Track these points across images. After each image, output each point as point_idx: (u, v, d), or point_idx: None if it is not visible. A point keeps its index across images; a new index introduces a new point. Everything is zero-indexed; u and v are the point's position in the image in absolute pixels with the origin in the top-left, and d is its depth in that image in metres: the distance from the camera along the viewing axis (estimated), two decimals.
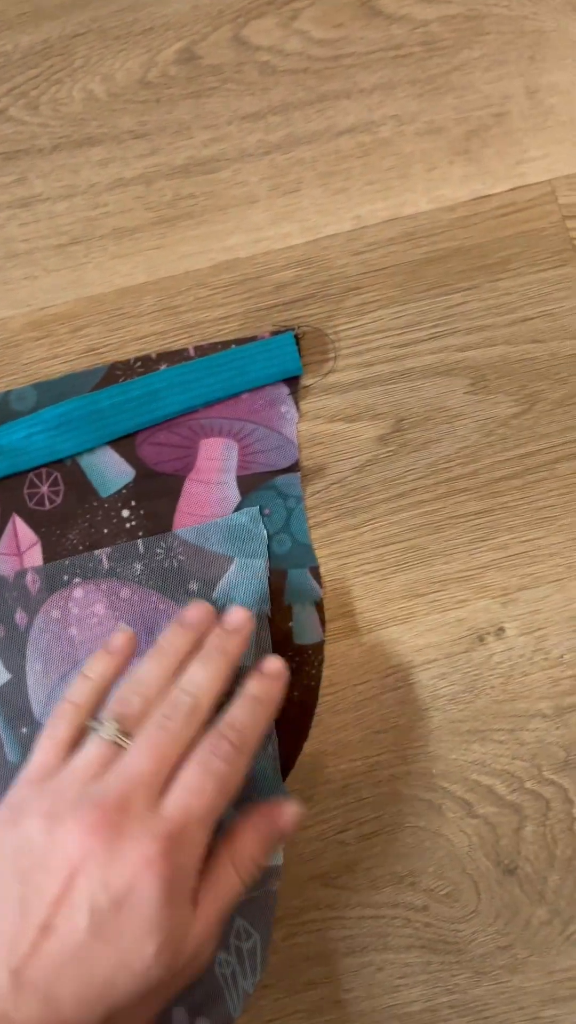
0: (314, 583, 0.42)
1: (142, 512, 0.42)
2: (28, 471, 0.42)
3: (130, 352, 0.44)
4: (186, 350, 0.44)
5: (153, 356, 0.43)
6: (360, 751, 0.40)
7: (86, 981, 0.28)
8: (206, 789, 0.31)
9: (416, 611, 0.41)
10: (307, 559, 0.42)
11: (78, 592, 0.40)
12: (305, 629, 0.41)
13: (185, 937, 0.30)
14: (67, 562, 0.41)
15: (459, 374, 0.44)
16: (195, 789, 0.31)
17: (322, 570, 0.42)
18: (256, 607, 0.40)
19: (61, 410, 0.42)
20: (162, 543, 0.41)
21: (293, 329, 0.43)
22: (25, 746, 0.39)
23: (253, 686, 0.35)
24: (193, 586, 0.41)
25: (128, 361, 0.43)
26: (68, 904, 0.29)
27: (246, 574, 0.41)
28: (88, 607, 0.40)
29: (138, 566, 0.41)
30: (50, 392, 0.43)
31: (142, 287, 0.45)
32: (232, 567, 0.41)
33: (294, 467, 0.42)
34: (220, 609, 0.39)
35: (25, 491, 0.42)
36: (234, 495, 0.42)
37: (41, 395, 0.43)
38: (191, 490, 0.42)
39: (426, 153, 0.47)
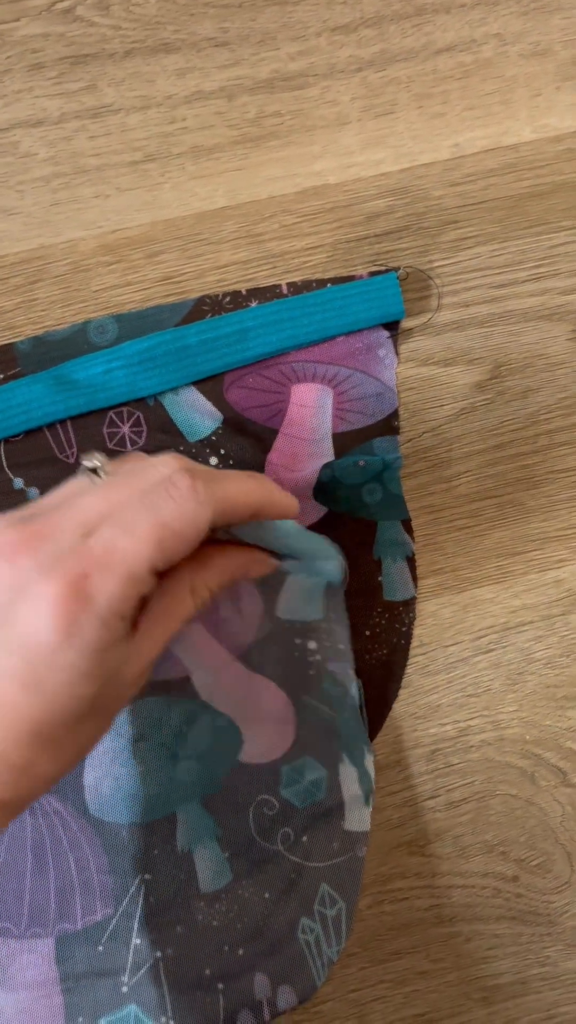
0: (406, 537, 0.39)
1: (231, 462, 0.39)
2: (107, 409, 0.39)
3: (210, 283, 0.41)
4: (279, 287, 0.40)
5: (243, 292, 0.40)
6: (450, 715, 0.38)
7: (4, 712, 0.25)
8: (138, 530, 0.26)
9: (512, 570, 0.39)
10: (399, 511, 0.39)
11: None
12: (395, 585, 0.39)
13: (105, 661, 0.26)
14: None
15: (562, 319, 0.41)
16: (127, 526, 0.26)
17: (413, 524, 0.40)
18: (325, 580, 0.36)
19: (144, 344, 0.38)
20: None
21: (396, 269, 0.40)
22: None
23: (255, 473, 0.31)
24: None
25: (216, 296, 0.40)
26: None
27: (305, 536, 0.36)
28: None
29: None
30: (132, 325, 0.39)
31: (222, 212, 0.42)
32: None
33: (393, 419, 0.39)
34: (283, 573, 0.35)
35: (105, 430, 0.39)
36: (328, 454, 0.39)
37: (122, 328, 0.39)
38: (283, 446, 0.39)
39: (530, 77, 0.43)
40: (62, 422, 0.39)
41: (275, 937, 0.35)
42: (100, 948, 0.35)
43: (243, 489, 0.29)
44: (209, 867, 0.36)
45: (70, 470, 0.39)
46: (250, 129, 0.42)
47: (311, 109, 0.43)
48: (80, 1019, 0.34)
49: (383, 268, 0.41)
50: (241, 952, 0.35)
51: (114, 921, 0.35)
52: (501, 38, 0.43)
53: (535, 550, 0.39)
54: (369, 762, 0.37)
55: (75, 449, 0.39)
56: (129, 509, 0.26)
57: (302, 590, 0.37)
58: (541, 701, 0.38)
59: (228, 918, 0.35)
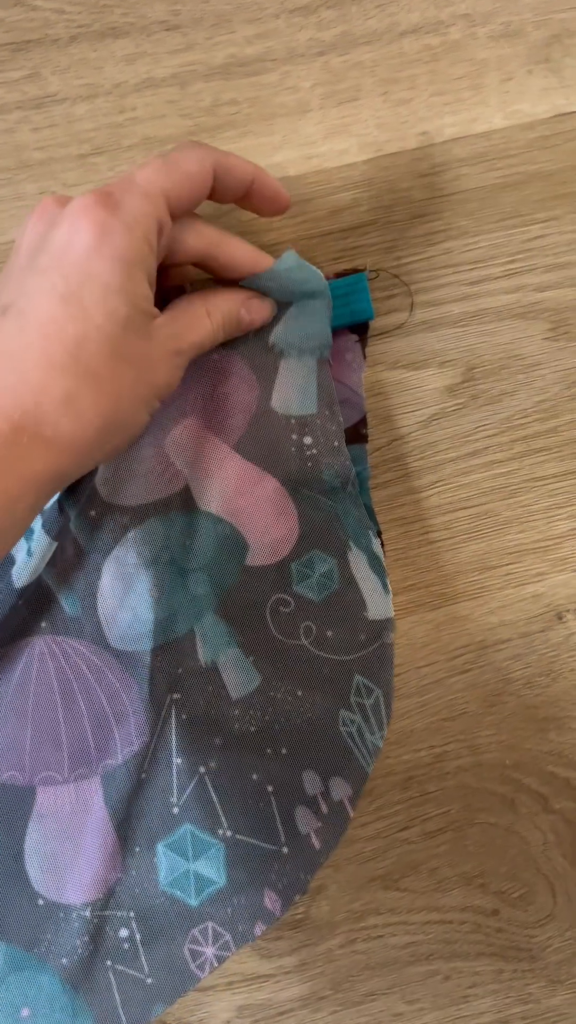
0: (379, 549, 0.37)
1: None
2: None
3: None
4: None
5: (187, 289, 0.38)
6: (425, 740, 0.36)
7: (48, 339, 0.28)
8: (151, 165, 0.30)
9: (488, 585, 0.37)
10: (369, 525, 0.37)
11: None
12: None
13: (135, 279, 0.29)
14: None
15: (537, 317, 0.39)
16: (142, 167, 0.30)
17: (383, 537, 0.37)
18: (317, 352, 0.36)
19: None
20: None
21: (363, 269, 0.38)
22: (102, 530, 0.36)
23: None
24: (249, 335, 0.36)
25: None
26: (17, 278, 0.29)
27: (305, 315, 0.36)
28: None
29: None
30: None
31: None
32: (291, 308, 0.36)
33: (361, 427, 0.37)
34: (278, 355, 0.36)
35: None
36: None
37: None
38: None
39: (501, 60, 0.41)
40: None
41: (316, 732, 0.35)
42: (144, 776, 0.35)
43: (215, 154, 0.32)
44: (235, 674, 0.35)
45: None
46: (205, 118, 0.40)
47: (270, 96, 0.40)
48: (137, 849, 0.34)
49: (350, 269, 0.38)
50: (285, 752, 0.35)
51: (152, 747, 0.35)
52: (470, 19, 0.41)
53: (512, 563, 0.37)
54: (376, 545, 0.36)
55: None
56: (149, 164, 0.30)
57: (296, 378, 0.36)
58: (521, 723, 0.36)
59: (264, 722, 0.35)
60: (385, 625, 0.35)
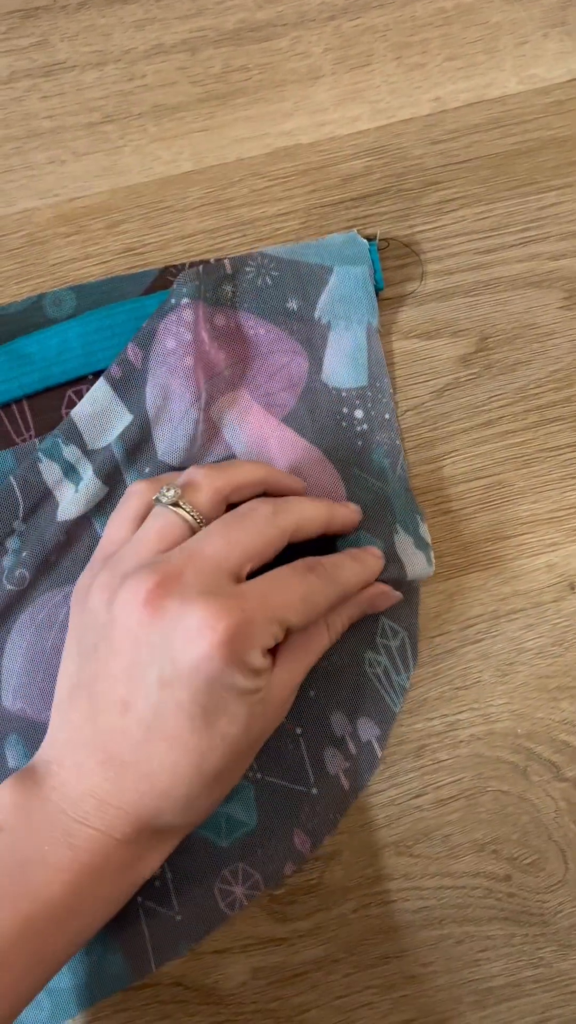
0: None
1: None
2: (65, 386, 0.36)
3: (175, 253, 0.38)
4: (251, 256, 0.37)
5: (212, 261, 0.37)
6: (437, 709, 0.36)
7: (175, 749, 0.28)
8: (293, 589, 0.29)
9: (501, 555, 0.37)
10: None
11: (187, 314, 0.36)
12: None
13: (263, 698, 0.29)
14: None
15: (552, 286, 0.39)
16: (281, 583, 0.29)
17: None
18: (365, 320, 0.37)
19: (102, 314, 0.36)
20: (250, 261, 0.37)
21: (373, 238, 0.37)
22: None
23: (353, 551, 0.34)
24: (293, 304, 0.37)
25: (182, 266, 0.37)
26: (137, 679, 0.28)
27: (348, 283, 0.37)
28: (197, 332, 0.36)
29: (228, 288, 0.36)
30: (91, 297, 0.37)
31: (187, 177, 0.39)
32: (332, 278, 0.36)
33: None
34: (326, 327, 0.36)
35: (63, 410, 0.37)
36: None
37: (81, 300, 0.37)
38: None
39: (516, 24, 0.40)
40: (18, 401, 0.37)
41: (342, 674, 0.35)
42: None
43: (353, 585, 0.32)
44: None
45: (27, 454, 0.36)
46: (216, 86, 0.39)
47: (281, 62, 0.40)
48: None
49: (363, 238, 0.38)
50: (312, 694, 0.35)
51: None
52: None
53: (525, 533, 0.37)
54: (424, 530, 0.36)
55: (32, 432, 0.37)
56: (259, 553, 0.30)
57: (344, 350, 0.36)
58: (533, 693, 0.36)
59: None
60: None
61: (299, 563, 0.31)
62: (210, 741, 0.28)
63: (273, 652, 0.30)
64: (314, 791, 0.35)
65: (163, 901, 0.34)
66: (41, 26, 0.39)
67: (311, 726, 0.35)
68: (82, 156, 0.39)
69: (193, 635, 0.27)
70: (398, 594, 0.34)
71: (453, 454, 0.38)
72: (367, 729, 0.36)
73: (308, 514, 0.31)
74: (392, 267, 0.38)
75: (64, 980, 0.34)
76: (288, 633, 0.30)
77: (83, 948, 0.33)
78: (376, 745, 0.35)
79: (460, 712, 0.36)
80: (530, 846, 0.36)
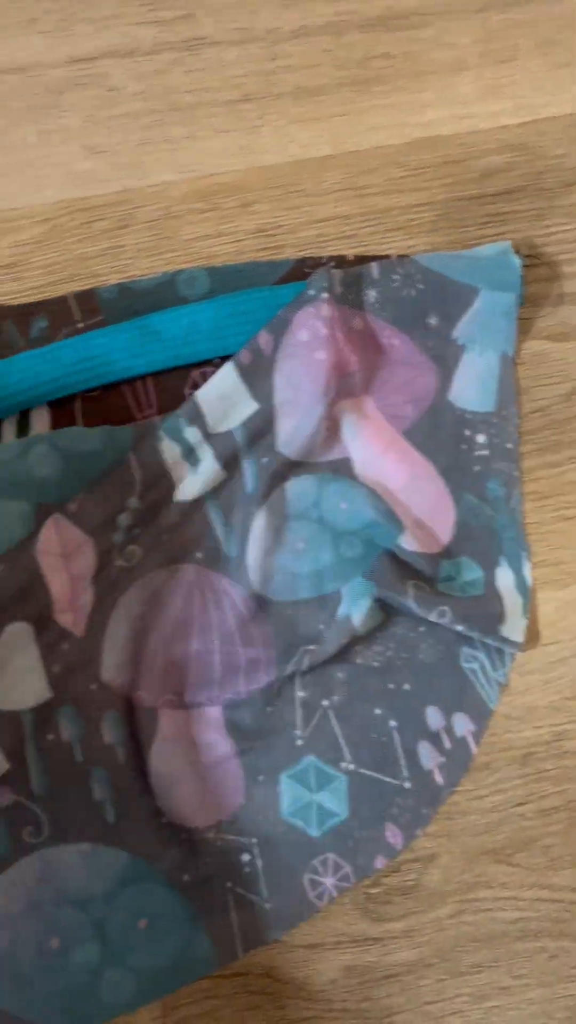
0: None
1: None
2: (191, 367, 0.36)
3: (307, 237, 0.38)
4: (389, 258, 0.37)
5: (350, 258, 0.37)
6: (546, 718, 0.36)
7: None
8: None
9: None
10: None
11: (325, 309, 0.35)
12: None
13: None
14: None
15: None
16: None
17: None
18: (501, 348, 0.36)
19: (237, 299, 0.35)
20: (399, 268, 0.36)
21: (517, 253, 0.37)
22: (263, 477, 0.36)
23: None
24: (432, 320, 0.36)
25: (320, 259, 0.37)
26: None
27: (493, 310, 0.36)
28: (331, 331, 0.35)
29: (372, 293, 0.36)
30: (225, 279, 0.36)
31: (324, 161, 0.38)
32: (478, 301, 0.36)
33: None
34: (460, 348, 0.36)
35: (186, 390, 0.36)
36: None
37: (214, 281, 0.36)
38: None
39: None
40: (142, 378, 0.36)
41: (438, 668, 0.35)
42: (269, 710, 0.35)
43: None
44: (363, 614, 0.35)
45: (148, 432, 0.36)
46: (357, 71, 0.39)
47: (424, 52, 0.39)
48: (260, 777, 0.35)
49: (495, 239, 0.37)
50: (408, 687, 0.35)
51: (277, 684, 0.35)
52: None
53: None
54: (527, 569, 0.36)
55: (154, 409, 0.36)
56: None
57: (476, 373, 0.36)
58: None
59: (387, 657, 0.35)
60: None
61: None
62: None
63: None
64: (407, 785, 0.35)
65: (252, 888, 0.34)
66: (188, 0, 0.39)
67: (406, 719, 0.35)
68: (220, 133, 0.38)
69: None
70: None
71: None
72: (462, 725, 0.35)
73: None
74: (525, 267, 0.38)
75: (150, 960, 0.33)
76: None
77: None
78: (471, 741, 0.35)
79: (569, 723, 0.36)
80: None
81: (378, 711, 0.35)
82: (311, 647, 0.35)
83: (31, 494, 0.34)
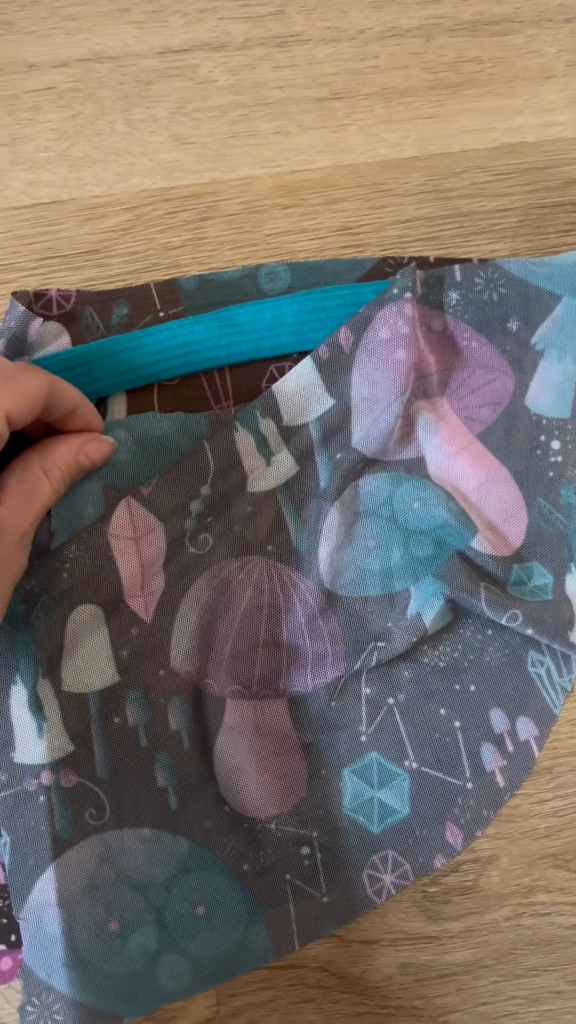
0: None
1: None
2: (269, 360, 0.36)
3: (390, 237, 0.38)
4: (471, 261, 0.37)
5: (431, 259, 0.37)
6: None
7: None
8: (23, 388, 0.31)
9: None
10: None
11: (408, 308, 0.35)
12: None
13: None
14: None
15: None
16: (13, 385, 0.31)
17: None
18: None
19: (319, 296, 0.36)
20: (481, 272, 0.36)
21: None
22: (336, 473, 0.36)
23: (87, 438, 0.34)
24: (512, 325, 0.36)
25: (401, 259, 0.37)
26: None
27: (574, 317, 0.36)
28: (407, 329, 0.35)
29: (454, 295, 0.36)
30: (306, 275, 0.37)
31: (410, 162, 0.39)
32: (559, 308, 0.36)
33: None
34: (539, 353, 0.36)
35: (263, 384, 0.37)
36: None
37: (295, 277, 0.37)
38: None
39: None
40: (220, 369, 0.37)
41: (504, 671, 0.35)
42: (333, 704, 0.35)
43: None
44: (433, 612, 0.35)
45: (223, 422, 0.36)
46: (447, 74, 0.39)
47: (514, 58, 0.39)
48: (323, 772, 0.35)
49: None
50: (473, 689, 0.35)
51: (343, 679, 0.35)
52: None
53: None
54: None
55: (230, 400, 0.37)
56: None
57: (552, 380, 0.36)
58: None
59: (453, 658, 0.36)
60: None
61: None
62: None
63: None
64: (469, 785, 0.35)
65: (311, 881, 0.34)
66: None
67: (470, 720, 0.35)
68: (307, 130, 0.39)
69: None
70: (110, 440, 0.34)
71: None
72: (526, 728, 0.35)
73: (63, 388, 0.33)
74: None
75: (207, 948, 0.33)
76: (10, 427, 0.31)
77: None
78: (534, 745, 0.35)
79: None
80: None
81: (443, 711, 0.35)
82: (381, 644, 0.35)
83: (105, 477, 0.35)
